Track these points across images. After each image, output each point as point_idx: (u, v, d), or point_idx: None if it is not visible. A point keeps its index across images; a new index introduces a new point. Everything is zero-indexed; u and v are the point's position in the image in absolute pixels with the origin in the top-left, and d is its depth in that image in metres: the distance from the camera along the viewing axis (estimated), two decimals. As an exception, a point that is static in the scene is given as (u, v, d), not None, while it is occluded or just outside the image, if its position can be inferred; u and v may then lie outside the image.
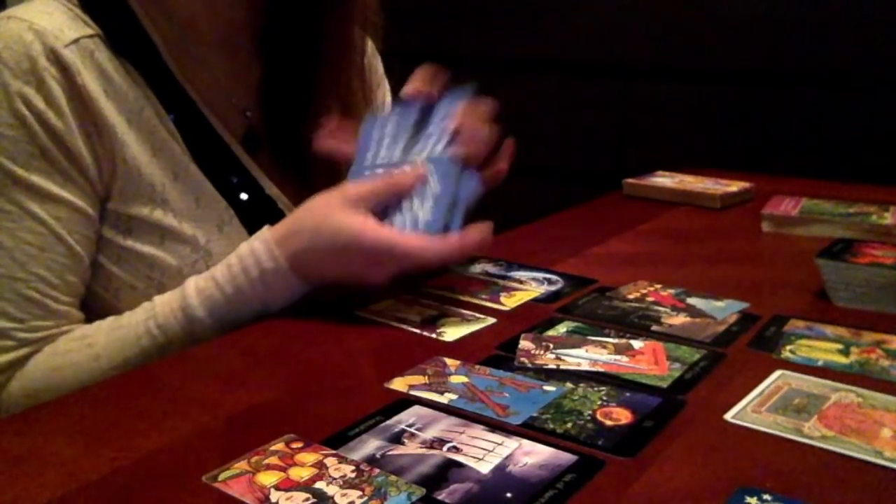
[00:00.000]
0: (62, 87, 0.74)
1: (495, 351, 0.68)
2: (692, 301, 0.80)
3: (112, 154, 0.77)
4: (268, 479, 0.49)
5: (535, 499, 0.47)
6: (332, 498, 0.47)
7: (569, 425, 0.56)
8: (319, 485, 0.49)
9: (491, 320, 0.75)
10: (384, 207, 0.76)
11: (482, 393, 0.60)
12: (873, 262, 0.81)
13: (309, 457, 0.52)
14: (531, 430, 0.55)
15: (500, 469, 0.50)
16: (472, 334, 0.72)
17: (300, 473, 0.50)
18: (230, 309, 0.75)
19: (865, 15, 1.59)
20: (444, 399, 0.59)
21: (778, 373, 0.64)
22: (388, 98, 1.01)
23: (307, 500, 0.47)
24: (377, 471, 0.50)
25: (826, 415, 0.57)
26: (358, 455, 0.52)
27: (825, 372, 0.64)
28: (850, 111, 1.63)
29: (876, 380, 0.63)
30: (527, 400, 0.59)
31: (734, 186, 1.25)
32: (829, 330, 0.72)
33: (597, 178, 1.51)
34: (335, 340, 0.71)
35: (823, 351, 0.68)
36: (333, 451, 0.52)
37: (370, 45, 0.98)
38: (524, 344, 0.69)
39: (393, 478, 0.49)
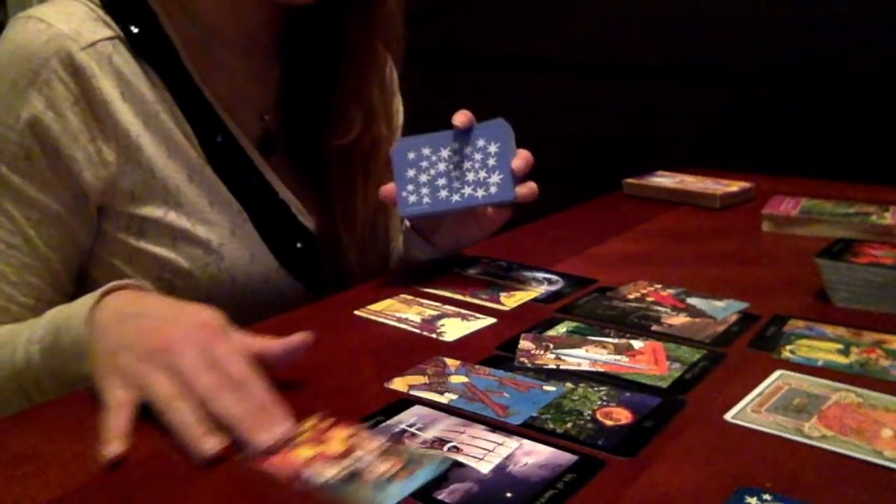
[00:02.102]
0: (69, 90, 0.74)
1: (495, 351, 0.68)
2: (692, 301, 0.80)
3: (125, 157, 0.77)
4: (304, 452, 0.52)
5: (535, 499, 0.47)
6: (367, 468, 0.50)
7: (569, 425, 0.56)
8: (354, 457, 0.51)
9: (491, 320, 0.75)
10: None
11: (482, 393, 0.60)
12: (873, 262, 0.81)
13: (340, 432, 0.54)
14: (531, 430, 0.55)
15: (500, 469, 0.50)
16: (472, 334, 0.72)
17: (334, 447, 0.52)
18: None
19: (865, 15, 1.59)
20: (444, 399, 0.59)
21: (778, 373, 0.64)
22: (401, 109, 1.01)
23: (345, 469, 0.50)
24: (406, 444, 0.53)
25: (826, 415, 0.57)
26: (358, 455, 0.52)
27: (825, 372, 0.64)
28: (850, 111, 1.63)
29: (876, 380, 0.63)
30: (527, 400, 0.59)
31: (734, 186, 1.25)
32: (829, 330, 0.72)
33: (597, 178, 1.51)
34: (335, 340, 0.71)
35: (823, 351, 0.68)
36: (363, 427, 0.55)
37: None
38: (524, 344, 0.69)
39: (422, 450, 0.52)
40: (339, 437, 0.53)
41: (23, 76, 0.74)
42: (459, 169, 0.83)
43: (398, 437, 0.52)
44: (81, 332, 0.63)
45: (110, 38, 0.77)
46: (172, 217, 0.79)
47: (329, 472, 0.49)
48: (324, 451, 0.52)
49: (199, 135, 0.81)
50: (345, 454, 0.51)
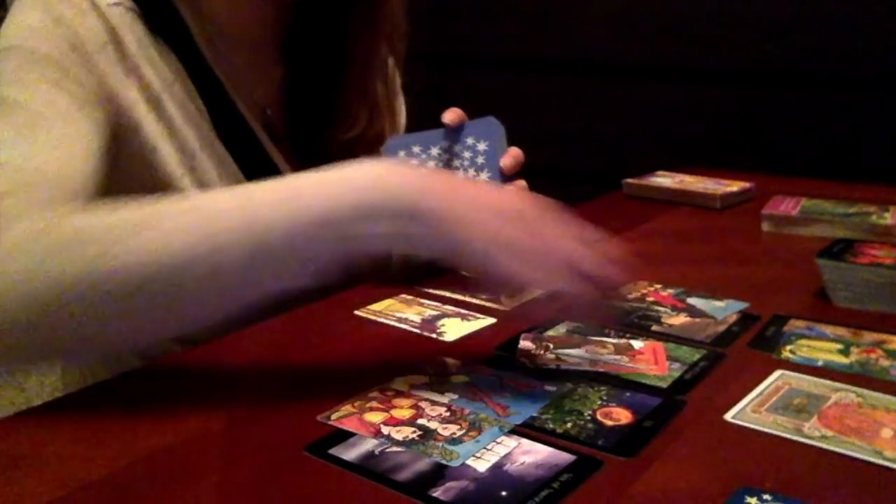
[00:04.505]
0: (99, 29, 0.73)
1: (495, 351, 0.68)
2: (692, 301, 0.80)
3: (150, 105, 0.76)
4: (375, 417, 0.57)
5: (530, 497, 0.47)
6: (435, 431, 0.54)
7: (569, 425, 0.56)
8: (421, 422, 0.56)
9: (491, 320, 0.75)
10: None
11: (483, 393, 0.60)
12: (873, 262, 0.81)
13: (405, 401, 0.59)
14: (531, 430, 0.55)
15: (497, 467, 0.50)
16: (472, 334, 0.72)
17: (402, 413, 0.57)
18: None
19: (865, 15, 1.59)
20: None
21: (778, 373, 0.64)
22: (403, 108, 1.02)
23: (414, 432, 0.54)
24: (468, 410, 0.57)
25: (826, 415, 0.57)
26: (355, 453, 0.52)
27: (825, 372, 0.64)
28: (850, 111, 1.63)
29: (876, 380, 0.63)
30: (527, 400, 0.59)
31: (734, 186, 1.25)
32: (829, 330, 0.72)
33: (597, 178, 1.50)
34: (335, 340, 0.72)
35: (823, 351, 0.68)
36: (425, 396, 0.59)
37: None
38: (524, 344, 0.69)
39: (483, 415, 0.56)
40: (403, 405, 0.58)
41: (72, 6, 0.72)
42: (449, 167, 0.83)
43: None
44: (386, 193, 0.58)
45: (128, 9, 0.76)
46: (186, 182, 0.79)
47: (403, 433, 0.54)
48: (393, 416, 0.57)
49: (210, 110, 0.81)
50: (413, 419, 0.56)
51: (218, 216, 0.57)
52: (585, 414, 0.57)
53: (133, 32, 0.76)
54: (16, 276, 0.54)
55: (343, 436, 0.54)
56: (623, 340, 0.70)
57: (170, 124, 0.78)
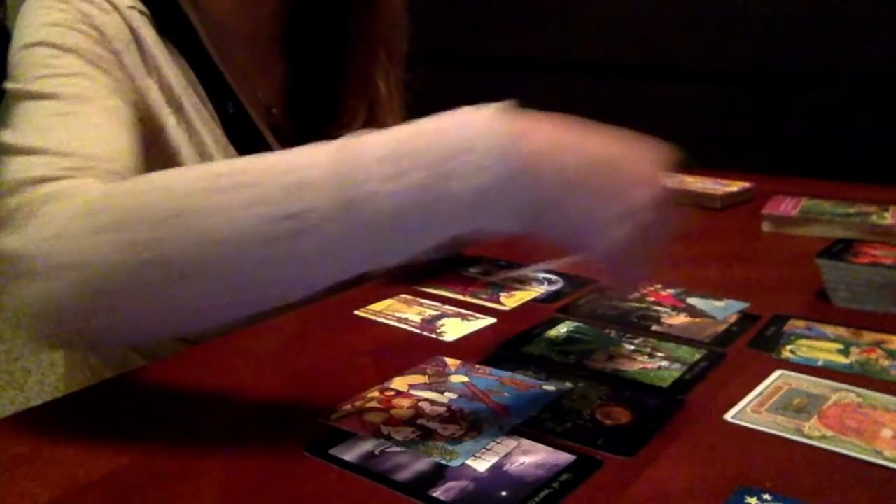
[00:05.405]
0: (123, 29, 0.74)
1: (495, 351, 0.68)
2: (692, 301, 0.80)
3: (171, 107, 0.77)
4: (375, 417, 0.56)
5: (530, 498, 0.47)
6: (434, 431, 0.54)
7: (568, 425, 0.56)
8: (420, 421, 0.56)
9: (491, 320, 0.75)
10: None
11: (482, 393, 0.60)
12: (873, 262, 0.81)
13: (405, 401, 0.59)
14: (531, 430, 0.55)
15: (497, 468, 0.50)
16: (472, 334, 0.72)
17: (402, 413, 0.57)
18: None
19: (865, 15, 1.59)
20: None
21: (778, 373, 0.64)
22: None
23: (414, 432, 0.54)
24: (468, 410, 0.57)
25: (826, 415, 0.57)
26: (355, 453, 0.52)
27: (825, 372, 0.64)
28: (850, 111, 1.63)
29: (876, 380, 0.63)
30: (527, 400, 0.59)
31: (734, 186, 1.25)
32: (829, 330, 0.72)
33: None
34: (335, 340, 0.72)
35: (823, 351, 0.68)
36: (425, 396, 0.59)
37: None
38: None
39: (483, 415, 0.56)
40: (403, 405, 0.58)
41: (91, 3, 0.72)
42: None
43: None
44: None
45: (141, 12, 0.77)
46: None
47: (403, 433, 0.54)
48: (393, 416, 0.57)
49: (220, 114, 0.82)
50: (412, 418, 0.56)
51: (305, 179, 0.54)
52: (585, 414, 0.57)
53: (149, 35, 0.77)
54: (68, 259, 0.52)
55: (343, 436, 0.54)
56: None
57: (189, 127, 0.79)
